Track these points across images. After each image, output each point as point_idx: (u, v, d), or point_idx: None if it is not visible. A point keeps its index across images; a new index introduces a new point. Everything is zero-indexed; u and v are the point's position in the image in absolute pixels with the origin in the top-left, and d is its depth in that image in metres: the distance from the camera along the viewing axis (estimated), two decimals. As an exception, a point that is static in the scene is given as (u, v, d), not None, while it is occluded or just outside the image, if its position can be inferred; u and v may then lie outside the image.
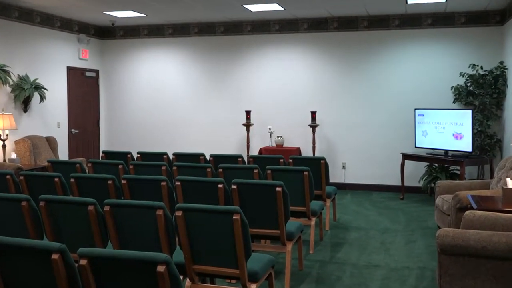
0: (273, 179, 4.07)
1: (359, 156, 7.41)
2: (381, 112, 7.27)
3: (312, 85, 7.53)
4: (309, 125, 7.18)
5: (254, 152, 7.65)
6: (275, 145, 7.37)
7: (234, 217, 2.54)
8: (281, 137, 7.37)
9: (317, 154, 7.31)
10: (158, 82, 8.26)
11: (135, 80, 8.43)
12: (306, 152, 7.44)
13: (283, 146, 7.39)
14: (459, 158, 5.98)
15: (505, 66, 6.37)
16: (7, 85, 6.36)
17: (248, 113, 7.41)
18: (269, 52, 7.72)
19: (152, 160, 5.11)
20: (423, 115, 6.61)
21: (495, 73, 6.39)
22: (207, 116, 8.00)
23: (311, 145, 7.20)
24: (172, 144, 7.97)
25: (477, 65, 6.60)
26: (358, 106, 7.35)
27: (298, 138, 7.52)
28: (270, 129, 7.46)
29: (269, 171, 4.13)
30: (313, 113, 7.11)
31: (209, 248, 2.68)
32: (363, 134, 7.35)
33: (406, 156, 6.64)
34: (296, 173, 4.05)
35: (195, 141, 8.00)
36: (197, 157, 5.10)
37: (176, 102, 8.17)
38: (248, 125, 7.41)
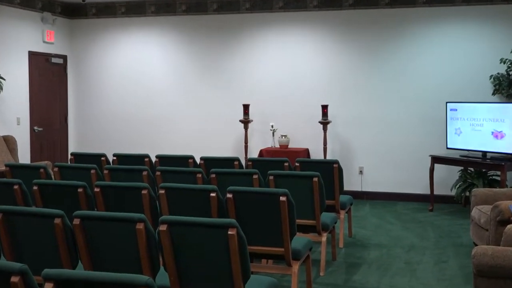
0: (277, 186, 4.10)
1: (379, 159, 7.46)
2: (405, 106, 7.33)
3: (323, 74, 7.59)
4: (319, 122, 7.22)
5: (254, 154, 7.70)
6: (278, 146, 7.45)
7: (229, 232, 2.57)
8: (285, 136, 7.43)
9: (329, 157, 7.36)
10: (139, 70, 8.33)
11: (111, 68, 8.48)
12: (316, 154, 7.52)
13: (288, 147, 7.44)
14: (500, 161, 6.00)
15: (556, 50, 6.43)
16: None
17: (246, 107, 7.45)
18: (272, 34, 7.78)
19: (131, 163, 5.12)
20: (456, 110, 6.62)
21: (543, 59, 6.42)
22: (197, 111, 8.07)
23: (322, 145, 7.27)
24: (156, 145, 8.04)
25: (522, 50, 6.65)
26: (378, 99, 7.41)
27: (306, 138, 7.59)
28: (272, 126, 7.53)
29: (271, 177, 4.16)
30: (324, 108, 7.16)
31: (199, 269, 2.69)
32: (384, 132, 7.41)
33: (436, 159, 6.67)
34: (304, 179, 4.09)
35: (183, 141, 8.07)
36: (185, 160, 5.14)
37: (160, 95, 8.23)
38: (246, 122, 7.46)
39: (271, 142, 7.56)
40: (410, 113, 7.28)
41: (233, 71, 7.93)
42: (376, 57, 7.38)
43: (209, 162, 5.06)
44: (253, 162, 5.05)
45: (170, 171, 4.43)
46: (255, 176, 4.15)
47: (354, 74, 7.46)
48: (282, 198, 3.27)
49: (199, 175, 4.30)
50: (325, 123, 7.17)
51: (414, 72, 7.28)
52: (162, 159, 5.28)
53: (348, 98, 7.50)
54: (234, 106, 7.80)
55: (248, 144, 7.61)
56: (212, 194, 3.44)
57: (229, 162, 5.02)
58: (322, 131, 7.22)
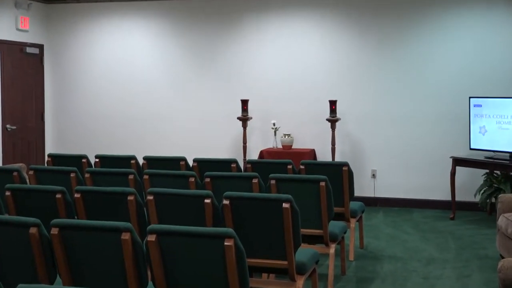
0: (279, 191, 4.11)
1: (394, 161, 7.48)
2: (424, 102, 7.36)
3: (332, 65, 7.63)
4: (327, 120, 7.24)
5: (253, 155, 7.74)
6: (281, 147, 7.48)
7: (226, 243, 2.57)
8: (289, 135, 7.45)
9: (337, 158, 7.35)
10: (125, 62, 8.35)
11: (94, 59, 8.51)
12: (323, 155, 7.53)
13: (292, 147, 7.46)
14: (529, 163, 6.02)
15: None
16: None
17: (244, 103, 7.48)
18: (274, 21, 7.82)
19: (116, 166, 5.15)
20: (480, 105, 6.64)
21: None
22: (190, 107, 8.10)
23: (330, 146, 7.29)
24: (143, 146, 8.05)
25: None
26: (393, 94, 7.45)
27: (312, 137, 7.62)
28: (274, 124, 7.55)
29: (273, 181, 4.18)
30: (333, 104, 7.18)
31: (191, 285, 2.68)
32: (400, 131, 7.45)
33: (457, 161, 6.69)
34: (310, 184, 4.11)
35: (174, 141, 8.10)
36: (176, 162, 5.16)
37: (149, 89, 8.27)
38: (244, 119, 7.49)
39: (272, 142, 7.59)
40: (429, 110, 7.32)
41: (230, 62, 7.96)
42: (391, 48, 7.42)
43: (203, 164, 5.08)
44: (252, 164, 5.08)
45: (160, 174, 4.45)
46: (254, 180, 4.17)
47: (367, 66, 7.50)
48: (285, 205, 3.29)
49: (192, 179, 4.31)
50: (333, 120, 7.18)
51: (433, 63, 7.32)
52: (150, 161, 5.29)
53: (360, 92, 7.53)
54: (231, 102, 7.83)
55: (247, 144, 7.66)
56: (207, 201, 3.45)
57: (225, 164, 5.04)
58: (330, 129, 7.24)
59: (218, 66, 7.99)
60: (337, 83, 7.57)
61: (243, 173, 4.72)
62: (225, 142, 7.94)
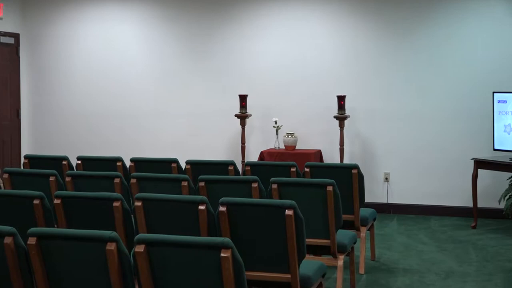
0: (281, 197, 4.12)
1: (409, 164, 7.49)
2: (443, 97, 7.36)
3: (340, 57, 7.64)
4: (334, 117, 7.26)
5: (253, 157, 7.75)
6: (283, 147, 7.50)
7: (222, 254, 2.58)
8: (292, 134, 7.45)
9: (346, 160, 7.38)
10: (111, 54, 8.36)
11: (76, 51, 8.51)
12: (331, 157, 7.57)
13: (296, 148, 7.46)
14: (560, 166, 6.01)
15: None
16: None
17: (243, 98, 7.49)
18: (275, 8, 7.81)
19: (100, 169, 5.11)
20: (505, 101, 6.64)
21: None
22: (183, 104, 8.10)
23: (338, 146, 7.31)
24: (130, 146, 8.06)
25: None
26: (408, 88, 7.46)
27: (318, 136, 7.63)
28: (276, 122, 7.55)
29: (274, 186, 4.18)
30: (341, 99, 7.20)
31: (185, 301, 2.67)
32: (415, 130, 7.45)
33: (480, 164, 6.69)
34: (316, 188, 4.12)
35: (164, 141, 8.11)
36: (167, 164, 5.16)
37: (137, 85, 8.27)
38: (243, 116, 7.50)
39: (274, 142, 7.61)
40: (448, 106, 7.33)
41: (227, 54, 7.96)
42: (406, 37, 7.44)
43: (197, 167, 5.07)
44: (251, 166, 5.07)
45: (149, 178, 4.46)
46: (254, 185, 4.17)
47: (378, 58, 7.51)
48: (288, 212, 3.30)
49: (185, 183, 4.32)
50: (341, 118, 7.20)
51: (453, 54, 7.34)
52: (138, 163, 5.28)
53: (371, 87, 7.55)
54: (228, 98, 7.83)
55: (246, 144, 7.67)
56: (201, 207, 3.45)
57: (222, 166, 5.06)
58: (338, 128, 7.26)
59: (213, 58, 7.99)
60: (345, 76, 7.58)
61: (241, 177, 4.74)
62: (221, 142, 7.96)
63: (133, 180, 4.44)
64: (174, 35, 8.13)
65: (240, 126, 7.54)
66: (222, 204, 3.42)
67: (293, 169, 4.96)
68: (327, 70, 7.61)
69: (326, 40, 7.64)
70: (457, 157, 7.20)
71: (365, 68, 7.54)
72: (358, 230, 4.87)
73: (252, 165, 5.11)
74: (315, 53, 7.66)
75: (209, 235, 3.48)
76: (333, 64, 7.61)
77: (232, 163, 5.08)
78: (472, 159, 6.80)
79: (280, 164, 5.24)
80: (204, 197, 3.52)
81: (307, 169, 4.95)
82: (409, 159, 7.43)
